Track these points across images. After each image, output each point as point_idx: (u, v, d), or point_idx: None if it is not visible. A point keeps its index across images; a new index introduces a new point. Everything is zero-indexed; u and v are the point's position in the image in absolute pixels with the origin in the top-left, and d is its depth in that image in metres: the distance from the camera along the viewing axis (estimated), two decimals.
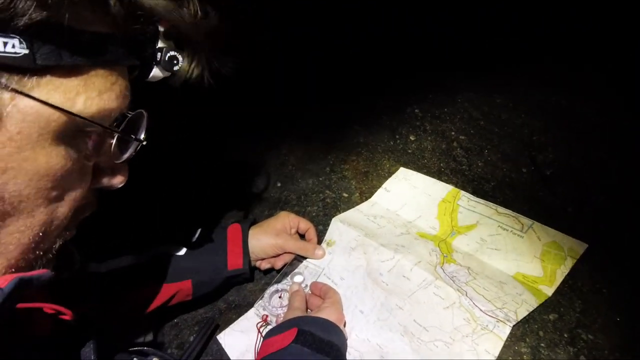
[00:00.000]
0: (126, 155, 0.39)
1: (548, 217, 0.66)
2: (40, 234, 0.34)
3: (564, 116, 0.88)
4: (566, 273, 0.57)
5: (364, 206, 0.78)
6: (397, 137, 0.92)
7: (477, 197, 0.72)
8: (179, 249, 0.66)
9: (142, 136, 0.39)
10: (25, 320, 0.38)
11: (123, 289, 0.60)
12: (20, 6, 0.25)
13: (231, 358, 0.60)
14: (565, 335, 0.51)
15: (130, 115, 0.37)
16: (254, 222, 0.72)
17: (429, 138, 0.90)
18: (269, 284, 0.71)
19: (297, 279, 0.67)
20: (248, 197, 0.93)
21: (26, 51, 0.27)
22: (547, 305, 0.54)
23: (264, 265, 0.71)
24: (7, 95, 0.27)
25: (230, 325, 0.64)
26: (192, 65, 0.38)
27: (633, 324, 0.51)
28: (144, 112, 0.38)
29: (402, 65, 1.18)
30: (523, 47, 1.12)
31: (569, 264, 0.58)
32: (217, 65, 0.41)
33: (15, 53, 0.26)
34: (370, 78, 1.17)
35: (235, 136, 1.10)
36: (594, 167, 0.75)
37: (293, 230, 0.72)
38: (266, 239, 0.68)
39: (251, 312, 0.66)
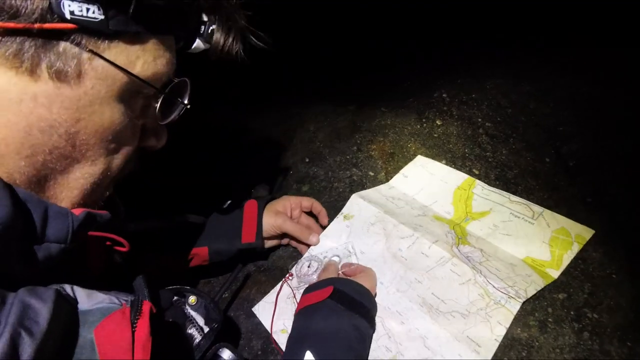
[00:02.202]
0: (170, 118, 0.44)
1: (567, 205, 0.69)
2: (99, 181, 0.40)
3: (592, 108, 0.89)
4: (572, 257, 0.61)
5: (382, 188, 0.82)
6: (424, 120, 0.95)
7: (495, 185, 0.76)
8: (200, 219, 0.72)
9: (186, 101, 0.44)
10: (83, 258, 0.44)
11: (148, 247, 0.66)
12: None
13: (265, 325, 0.67)
14: (572, 313, 0.56)
15: (176, 81, 0.42)
16: (271, 199, 0.77)
17: (455, 123, 0.92)
18: (296, 251, 0.77)
19: (335, 258, 0.72)
20: (277, 170, 0.98)
21: (102, 17, 0.32)
22: (557, 286, 0.59)
23: (269, 243, 0.75)
24: (85, 55, 0.33)
25: (264, 298, 0.71)
26: (229, 40, 0.43)
27: (638, 308, 0.55)
28: (187, 80, 0.44)
29: (432, 48, 1.19)
30: (557, 35, 1.11)
31: (576, 249, 0.62)
32: (251, 42, 0.45)
33: (94, 18, 0.32)
34: (400, 60, 1.18)
35: (264, 112, 1.14)
36: (617, 160, 0.76)
37: (296, 212, 0.76)
38: (266, 219, 0.72)
39: (278, 286, 0.71)
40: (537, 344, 0.54)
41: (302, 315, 0.57)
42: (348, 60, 1.22)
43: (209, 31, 0.42)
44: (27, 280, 0.31)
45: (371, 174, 0.87)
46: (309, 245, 0.73)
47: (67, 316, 0.32)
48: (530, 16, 1.17)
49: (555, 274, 0.60)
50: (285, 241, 0.77)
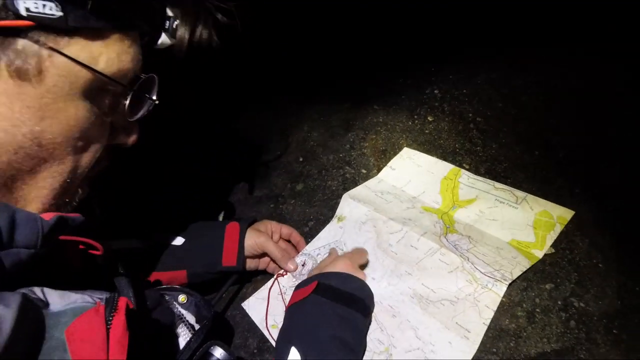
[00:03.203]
0: (139, 114, 0.43)
1: (555, 196, 0.69)
2: (68, 180, 0.39)
3: (584, 102, 0.89)
4: (555, 237, 0.63)
5: (371, 182, 0.84)
6: (416, 117, 0.96)
7: (482, 176, 0.78)
8: (178, 239, 0.69)
9: (154, 97, 0.44)
10: (60, 259, 0.43)
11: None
12: None
13: (255, 321, 0.68)
14: (559, 303, 0.56)
15: (143, 78, 0.41)
16: (254, 222, 0.75)
17: (447, 119, 0.93)
18: None
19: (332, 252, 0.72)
20: (271, 171, 0.99)
21: (60, 14, 0.32)
22: (544, 276, 0.60)
23: (249, 264, 0.72)
24: (45, 52, 0.33)
25: (254, 294, 0.72)
26: (195, 34, 0.42)
27: (623, 296, 0.55)
28: (155, 76, 0.43)
29: (425, 45, 1.19)
30: (547, 30, 1.11)
31: (558, 229, 0.64)
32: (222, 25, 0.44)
33: (52, 14, 0.31)
34: (392, 58, 1.19)
35: (259, 112, 1.15)
36: (606, 153, 0.77)
37: (276, 236, 0.75)
38: (248, 237, 0.70)
39: (270, 282, 0.72)
40: (525, 334, 0.55)
41: (289, 313, 0.58)
42: (342, 59, 1.23)
43: (174, 26, 0.41)
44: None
45: (364, 171, 0.88)
46: (285, 273, 0.72)
47: (34, 320, 0.31)
48: (520, 12, 1.18)
49: (539, 254, 0.62)
50: (262, 266, 0.75)
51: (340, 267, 0.61)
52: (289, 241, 0.77)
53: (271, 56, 1.27)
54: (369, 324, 0.60)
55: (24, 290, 0.32)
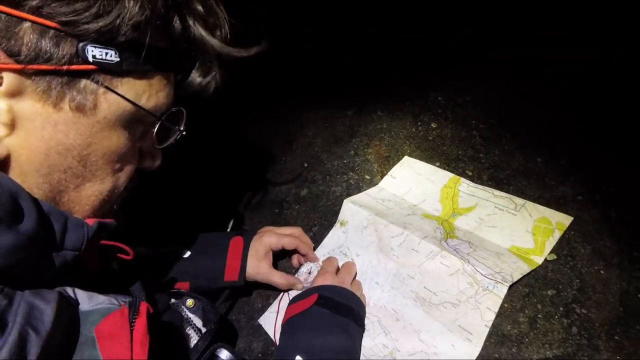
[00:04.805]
0: (167, 143, 0.49)
1: (558, 204, 0.70)
2: (107, 197, 0.45)
3: (588, 108, 0.90)
4: (554, 244, 0.64)
5: (372, 191, 0.85)
6: (419, 123, 0.97)
7: (484, 182, 0.79)
8: (184, 252, 0.71)
9: (182, 127, 0.50)
10: (83, 263, 0.46)
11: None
12: (123, 29, 0.36)
13: (269, 333, 0.69)
14: (561, 309, 0.57)
15: (173, 110, 0.47)
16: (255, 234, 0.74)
17: (450, 126, 0.94)
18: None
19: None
20: (275, 176, 1.00)
21: (118, 59, 0.37)
22: (546, 282, 0.60)
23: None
24: (101, 90, 0.38)
25: (268, 309, 0.72)
26: (207, 77, 0.48)
27: (625, 303, 0.56)
28: (183, 109, 0.49)
29: (429, 51, 1.20)
30: (551, 36, 1.12)
31: (557, 235, 0.66)
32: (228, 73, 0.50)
33: (111, 60, 0.37)
34: (396, 64, 1.20)
35: (264, 118, 1.17)
36: (609, 159, 0.77)
37: (278, 247, 0.73)
38: (249, 265, 0.69)
39: (280, 294, 0.73)
40: (527, 340, 0.55)
41: (289, 325, 0.59)
42: (346, 66, 1.25)
43: (202, 67, 0.47)
44: (36, 284, 0.34)
45: (367, 177, 0.89)
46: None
47: (69, 316, 0.34)
48: (522, 18, 1.19)
49: (539, 259, 0.63)
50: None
51: (331, 281, 0.64)
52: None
53: (275, 61, 1.29)
54: (363, 333, 0.62)
55: (58, 289, 0.35)
